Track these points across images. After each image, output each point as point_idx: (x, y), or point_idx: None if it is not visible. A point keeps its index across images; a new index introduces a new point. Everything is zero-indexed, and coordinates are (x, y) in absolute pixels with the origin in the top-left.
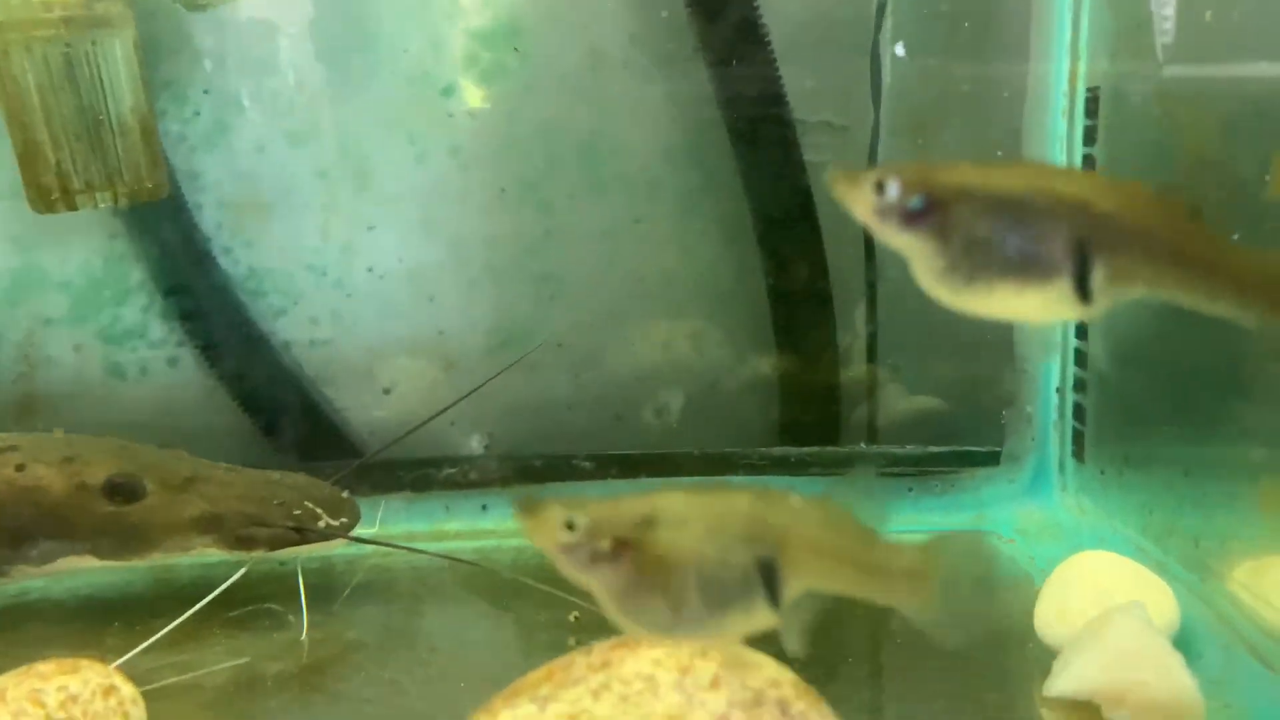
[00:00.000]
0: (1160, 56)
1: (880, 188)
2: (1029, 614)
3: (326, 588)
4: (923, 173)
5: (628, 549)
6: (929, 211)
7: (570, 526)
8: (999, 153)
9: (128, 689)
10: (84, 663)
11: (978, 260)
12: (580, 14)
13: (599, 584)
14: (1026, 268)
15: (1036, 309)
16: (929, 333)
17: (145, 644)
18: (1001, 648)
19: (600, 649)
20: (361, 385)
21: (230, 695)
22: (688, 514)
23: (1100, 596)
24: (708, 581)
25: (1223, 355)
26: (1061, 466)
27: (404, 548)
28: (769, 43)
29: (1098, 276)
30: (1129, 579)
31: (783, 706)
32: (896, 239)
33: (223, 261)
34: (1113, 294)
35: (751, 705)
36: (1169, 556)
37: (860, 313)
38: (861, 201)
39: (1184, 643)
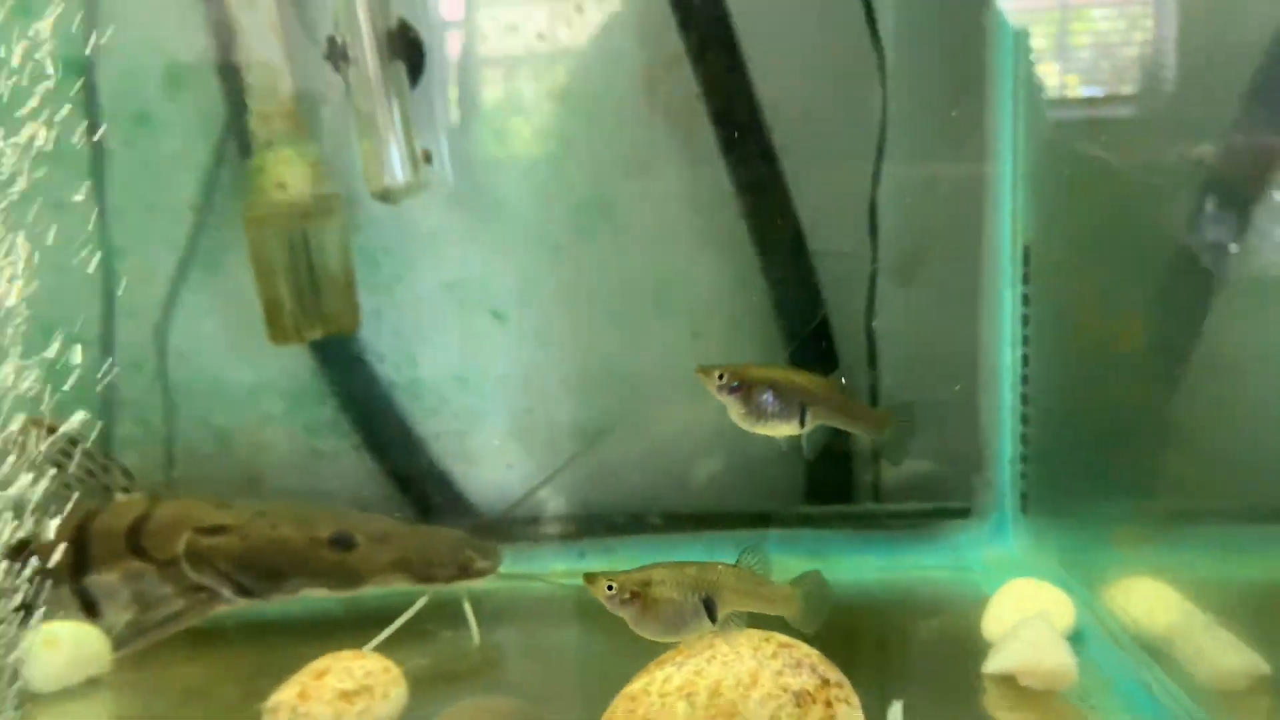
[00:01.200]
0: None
1: (720, 376)
2: (979, 621)
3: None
4: (738, 370)
5: (638, 597)
6: (739, 388)
7: (610, 588)
8: (960, 287)
9: (398, 670)
10: (364, 653)
11: (760, 411)
12: (657, 191)
13: (625, 615)
14: (779, 414)
15: (785, 432)
16: (920, 420)
17: (380, 637)
18: (958, 643)
19: (707, 637)
20: (491, 463)
21: (443, 680)
22: (666, 577)
23: (1024, 608)
24: (677, 612)
25: (1099, 452)
26: (1014, 519)
27: (546, 581)
28: (796, 214)
29: (808, 418)
30: (1044, 597)
31: (812, 667)
32: (723, 399)
33: (392, 375)
34: (814, 423)
35: (795, 666)
36: (1074, 581)
37: (865, 402)
38: (711, 382)
39: (1076, 638)
